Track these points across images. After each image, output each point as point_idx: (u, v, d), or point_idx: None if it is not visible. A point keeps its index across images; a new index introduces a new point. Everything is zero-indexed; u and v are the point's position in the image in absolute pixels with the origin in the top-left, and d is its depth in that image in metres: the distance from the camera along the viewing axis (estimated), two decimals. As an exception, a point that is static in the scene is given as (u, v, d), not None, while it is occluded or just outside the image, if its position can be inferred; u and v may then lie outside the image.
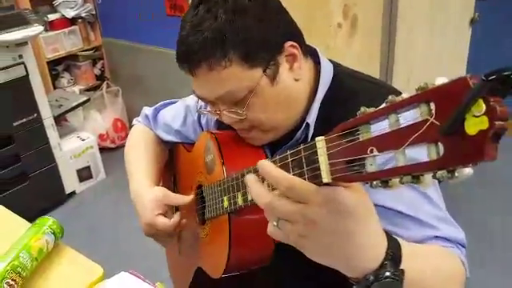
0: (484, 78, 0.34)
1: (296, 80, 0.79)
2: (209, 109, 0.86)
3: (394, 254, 0.51)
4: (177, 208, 1.02)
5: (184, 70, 0.78)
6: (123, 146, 1.18)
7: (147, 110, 1.15)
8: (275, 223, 0.51)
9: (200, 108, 0.86)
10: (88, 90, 3.22)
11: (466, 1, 2.12)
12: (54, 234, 1.03)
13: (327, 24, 1.75)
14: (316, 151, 0.48)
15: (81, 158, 2.79)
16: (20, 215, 1.13)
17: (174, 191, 1.10)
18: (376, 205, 0.69)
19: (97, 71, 3.28)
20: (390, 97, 0.41)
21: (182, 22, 0.77)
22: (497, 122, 0.33)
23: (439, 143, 0.36)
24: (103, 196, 2.79)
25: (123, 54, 3.18)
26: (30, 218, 1.72)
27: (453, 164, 0.36)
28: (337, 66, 0.86)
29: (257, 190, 0.53)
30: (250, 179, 0.54)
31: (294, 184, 0.48)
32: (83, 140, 2.82)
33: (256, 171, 0.59)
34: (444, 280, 0.62)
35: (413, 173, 0.38)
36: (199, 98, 0.83)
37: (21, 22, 2.15)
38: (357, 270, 0.50)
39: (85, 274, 0.96)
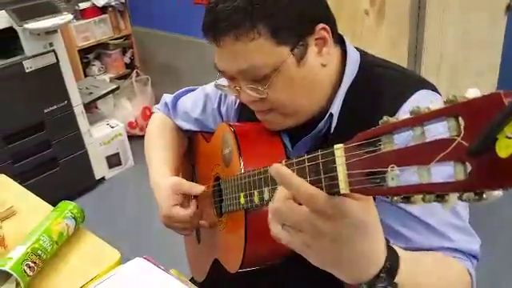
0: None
1: (323, 65, 0.76)
2: (228, 84, 0.83)
3: (390, 266, 0.50)
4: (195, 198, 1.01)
5: (209, 40, 0.76)
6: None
7: (167, 98, 1.15)
8: (280, 226, 0.51)
9: (218, 85, 0.84)
10: (118, 78, 3.27)
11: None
12: (74, 218, 1.05)
13: (354, 11, 1.71)
14: (334, 159, 0.45)
15: (110, 145, 2.85)
16: (49, 201, 1.15)
17: (192, 181, 1.10)
18: (392, 204, 0.67)
19: (127, 60, 3.33)
20: (415, 107, 0.37)
21: None
22: None
23: (467, 163, 0.33)
24: (131, 182, 2.84)
25: (152, 42, 3.21)
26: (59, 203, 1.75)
27: (480, 187, 0.33)
28: (363, 55, 0.83)
29: (278, 195, 0.51)
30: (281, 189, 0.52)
31: (316, 196, 0.46)
32: (112, 127, 2.87)
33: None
34: None
35: (436, 192, 0.36)
36: (220, 71, 0.80)
37: (51, 10, 2.19)
38: (353, 279, 0.50)
39: (102, 258, 0.97)
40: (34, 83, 2.26)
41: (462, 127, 0.33)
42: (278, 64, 0.72)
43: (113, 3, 2.99)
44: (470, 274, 0.65)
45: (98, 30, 3.03)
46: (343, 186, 0.44)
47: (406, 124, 0.38)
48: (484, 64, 2.12)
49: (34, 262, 0.91)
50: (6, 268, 0.86)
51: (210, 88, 1.06)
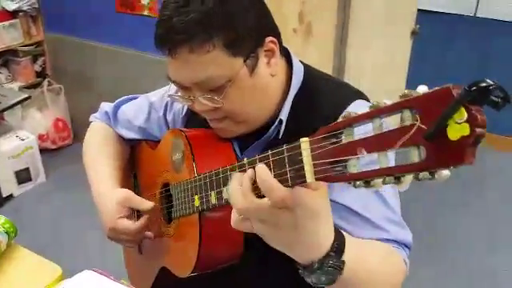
0: (467, 88, 0.38)
1: (272, 75, 0.81)
2: (181, 94, 0.83)
3: (338, 246, 0.57)
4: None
5: (163, 52, 0.76)
6: (65, 146, 1.13)
7: (106, 107, 1.11)
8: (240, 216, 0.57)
9: (171, 95, 0.85)
10: (27, 87, 3.04)
11: (407, 13, 2.26)
12: (7, 233, 0.98)
13: (283, 29, 1.80)
14: (300, 152, 0.50)
15: (19, 158, 2.64)
16: None
17: (134, 189, 1.08)
18: (333, 201, 0.74)
19: (37, 68, 3.11)
20: (374, 102, 0.43)
21: (164, 2, 0.76)
22: (477, 129, 0.36)
23: (421, 147, 0.39)
24: (42, 199, 2.65)
25: (67, 50, 3.04)
26: None
27: (435, 166, 0.39)
28: (306, 67, 0.90)
29: (237, 195, 0.56)
30: (234, 184, 0.57)
31: (286, 196, 0.51)
32: (22, 140, 2.66)
33: (232, 171, 0.63)
34: (384, 274, 0.68)
35: (396, 174, 0.42)
36: (174, 83, 0.81)
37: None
38: (304, 258, 0.56)
39: (43, 274, 0.92)
40: None
41: (417, 117, 0.39)
42: (232, 75, 0.75)
43: (24, 8, 2.81)
44: (405, 262, 0.74)
45: (7, 36, 2.81)
46: (309, 176, 0.49)
47: (365, 117, 0.43)
48: (391, 86, 2.34)
49: (-34, 282, 0.83)
50: None
51: (154, 96, 1.06)
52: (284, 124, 0.82)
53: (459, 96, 0.37)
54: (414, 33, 2.37)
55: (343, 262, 0.57)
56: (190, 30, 0.72)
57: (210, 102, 0.78)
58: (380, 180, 0.43)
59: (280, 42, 0.83)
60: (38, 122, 2.98)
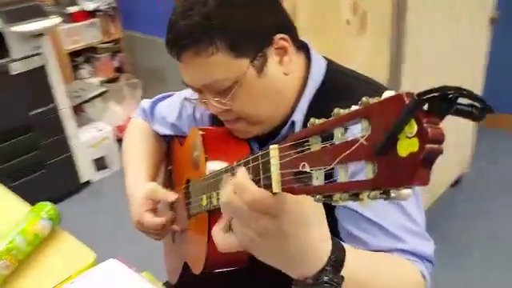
0: (417, 96, 0.33)
1: (285, 74, 0.79)
2: (196, 97, 0.86)
3: (335, 260, 0.51)
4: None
5: (172, 55, 0.78)
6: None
7: (145, 104, 1.17)
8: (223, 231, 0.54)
9: (187, 99, 0.87)
10: (108, 81, 3.28)
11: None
12: (50, 219, 1.06)
13: (336, 21, 1.74)
14: (269, 160, 0.47)
15: (97, 148, 2.85)
16: (35, 202, 1.15)
17: (169, 184, 1.12)
18: (347, 207, 0.70)
19: (116, 63, 3.34)
20: (336, 109, 0.39)
21: (173, 7, 0.77)
22: (428, 145, 0.31)
23: (375, 162, 0.35)
24: (116, 186, 2.83)
25: (143, 47, 3.22)
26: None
27: (384, 185, 0.34)
28: (330, 63, 0.86)
29: (225, 190, 0.52)
30: (225, 179, 0.55)
31: (257, 198, 0.47)
32: (100, 130, 2.88)
33: (232, 171, 0.59)
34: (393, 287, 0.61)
35: (350, 190, 0.37)
36: (187, 85, 0.83)
37: (39, 13, 2.21)
38: (297, 273, 0.51)
39: (78, 259, 0.99)
40: (20, 86, 2.27)
41: (370, 128, 0.35)
42: (238, 76, 0.74)
43: (102, 7, 3.01)
44: (423, 276, 0.67)
45: (88, 34, 3.04)
46: (275, 186, 0.45)
47: (329, 125, 0.39)
48: (467, 77, 2.16)
49: (9, 262, 0.93)
50: (-20, 267, 0.88)
51: (186, 93, 1.09)
52: (300, 124, 0.80)
53: (408, 106, 0.32)
54: (493, 20, 2.16)
55: (341, 278, 0.51)
56: (193, 34, 0.73)
57: (219, 104, 0.78)
58: (338, 195, 0.39)
59: (295, 39, 0.81)
60: (116, 114, 3.19)
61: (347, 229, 0.72)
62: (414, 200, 0.73)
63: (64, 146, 2.60)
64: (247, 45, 0.74)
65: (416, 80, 1.76)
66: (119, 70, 3.36)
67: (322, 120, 0.41)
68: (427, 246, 0.70)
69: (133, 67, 3.40)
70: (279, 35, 0.76)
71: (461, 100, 0.35)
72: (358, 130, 0.36)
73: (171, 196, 0.95)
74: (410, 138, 0.32)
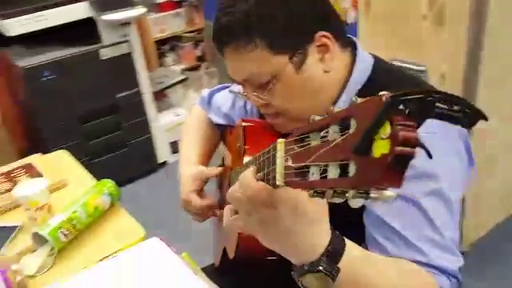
0: (390, 97, 0.33)
1: (326, 71, 0.79)
2: (240, 90, 0.89)
3: (332, 251, 0.52)
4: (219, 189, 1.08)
5: (216, 50, 0.82)
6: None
7: (205, 93, 1.22)
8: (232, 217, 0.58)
9: (231, 91, 0.91)
10: (189, 69, 3.43)
11: None
12: (110, 195, 1.16)
13: (412, 15, 1.66)
14: (276, 153, 0.49)
15: (173, 131, 3.01)
16: (114, 178, 1.26)
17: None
18: (374, 214, 0.69)
19: (198, 52, 3.48)
20: (330, 107, 0.41)
21: (218, 2, 0.80)
22: (398, 148, 0.31)
23: (356, 162, 0.35)
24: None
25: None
26: (124, 181, 1.77)
27: (362, 185, 0.35)
28: (377, 62, 0.84)
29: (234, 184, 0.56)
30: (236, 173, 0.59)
31: (256, 193, 0.51)
32: (178, 116, 3.03)
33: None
34: None
35: (333, 187, 0.39)
36: (231, 78, 0.86)
37: (127, 3, 2.37)
38: (295, 260, 0.55)
39: (128, 234, 1.08)
40: (109, 70, 2.46)
41: (355, 127, 0.35)
42: (276, 72, 0.76)
43: (188, -2, 3.15)
44: None
45: (173, 23, 3.20)
46: (279, 178, 0.47)
47: (327, 123, 0.40)
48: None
49: (69, 230, 1.03)
50: (44, 233, 0.99)
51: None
52: None
53: (381, 107, 0.33)
54: None
55: (337, 269, 0.53)
56: (233, 31, 0.75)
57: (257, 98, 0.80)
58: (330, 192, 0.40)
59: (340, 36, 0.80)
60: (193, 101, 3.33)
61: (373, 236, 0.71)
62: (447, 213, 0.70)
63: (145, 128, 2.78)
64: (286, 42, 0.75)
65: (498, 82, 1.63)
66: (200, 58, 3.50)
67: (321, 116, 0.42)
68: (451, 261, 0.67)
69: (212, 56, 3.51)
70: (321, 32, 0.76)
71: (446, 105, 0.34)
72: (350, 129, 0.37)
73: (215, 170, 1.02)
74: (383, 139, 0.32)
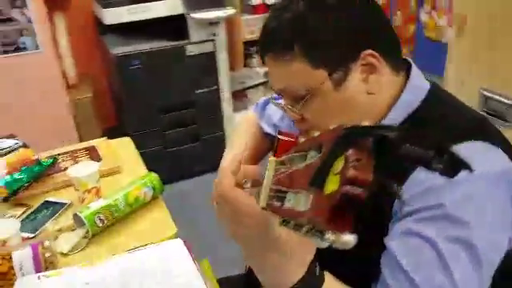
0: (344, 130, 0.29)
1: (370, 93, 0.73)
2: (280, 101, 0.86)
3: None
4: None
5: (259, 55, 0.81)
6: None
7: (261, 100, 1.21)
8: None
9: (271, 99, 0.90)
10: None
11: None
12: (153, 188, 1.19)
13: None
14: (267, 172, 0.47)
15: (247, 132, 3.04)
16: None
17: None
18: (388, 246, 0.62)
19: (285, 57, 3.48)
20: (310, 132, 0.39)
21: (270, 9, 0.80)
22: (344, 187, 0.28)
23: (311, 194, 0.32)
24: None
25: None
26: (190, 174, 1.79)
27: (312, 221, 0.32)
28: (434, 90, 0.76)
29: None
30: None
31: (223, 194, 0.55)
32: (251, 116, 3.05)
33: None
34: None
35: (289, 217, 0.36)
36: (272, 88, 0.84)
37: (218, 3, 2.44)
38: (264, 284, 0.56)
39: (160, 230, 1.09)
40: (192, 66, 2.55)
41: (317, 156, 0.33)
42: (312, 86, 0.72)
43: (281, 2, 3.15)
44: None
45: (263, 26, 3.22)
46: (262, 200, 0.46)
47: (306, 146, 0.38)
48: None
49: (106, 217, 1.07)
50: (82, 215, 1.04)
51: None
52: None
53: (335, 141, 0.30)
54: None
55: None
56: (274, 40, 0.74)
57: (291, 111, 0.78)
58: (291, 224, 0.37)
59: (392, 57, 0.74)
60: (274, 104, 3.34)
61: (384, 274, 0.64)
62: (471, 269, 0.61)
63: (218, 125, 2.84)
64: (327, 57, 0.71)
65: None
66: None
67: (304, 139, 0.41)
68: None
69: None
70: (368, 51, 0.71)
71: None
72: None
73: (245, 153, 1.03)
74: (335, 174, 0.29)
